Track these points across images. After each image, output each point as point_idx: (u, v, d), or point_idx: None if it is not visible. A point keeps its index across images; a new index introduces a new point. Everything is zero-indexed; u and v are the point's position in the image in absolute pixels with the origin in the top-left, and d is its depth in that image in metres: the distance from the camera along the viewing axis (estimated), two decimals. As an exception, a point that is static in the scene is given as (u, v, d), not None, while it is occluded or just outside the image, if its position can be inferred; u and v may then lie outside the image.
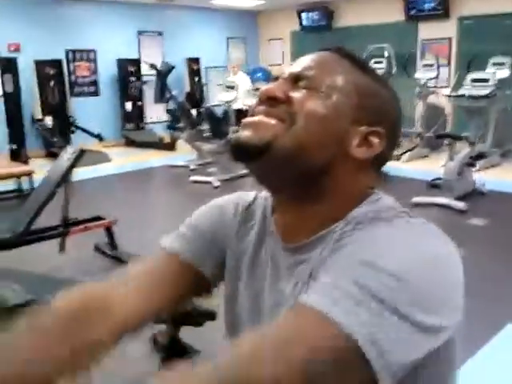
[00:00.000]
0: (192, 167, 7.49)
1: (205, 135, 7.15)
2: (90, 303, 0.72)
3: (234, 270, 0.80)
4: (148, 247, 4.23)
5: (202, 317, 2.50)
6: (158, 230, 5.00)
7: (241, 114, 7.83)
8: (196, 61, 10.68)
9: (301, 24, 10.83)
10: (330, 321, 0.52)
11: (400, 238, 0.59)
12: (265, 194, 0.81)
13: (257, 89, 7.75)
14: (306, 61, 0.70)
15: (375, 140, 0.67)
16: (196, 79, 10.70)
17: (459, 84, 6.52)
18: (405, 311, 0.53)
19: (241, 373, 0.51)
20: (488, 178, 5.90)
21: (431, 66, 7.89)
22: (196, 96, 10.38)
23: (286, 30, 11.32)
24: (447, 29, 8.62)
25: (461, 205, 5.00)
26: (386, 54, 8.31)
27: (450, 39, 8.65)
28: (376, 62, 8.24)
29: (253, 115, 0.69)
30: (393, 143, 0.71)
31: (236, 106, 8.05)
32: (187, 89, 10.45)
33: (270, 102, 0.67)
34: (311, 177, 0.67)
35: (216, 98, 8.84)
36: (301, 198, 0.69)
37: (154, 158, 8.48)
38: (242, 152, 0.67)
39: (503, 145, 7.15)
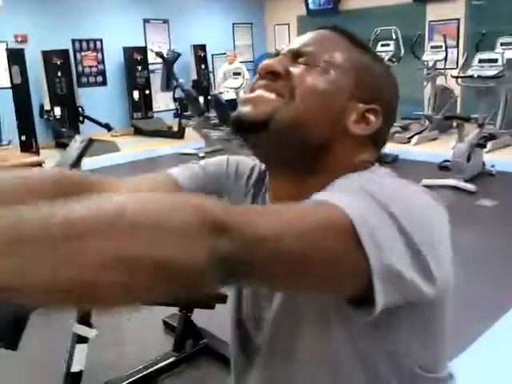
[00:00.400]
0: (201, 155, 7.51)
1: (213, 122, 7.15)
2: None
3: None
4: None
5: (214, 300, 2.54)
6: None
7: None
8: (202, 48, 10.65)
9: (307, 8, 10.74)
10: (335, 207, 0.52)
11: (393, 184, 0.62)
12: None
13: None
14: (305, 38, 0.71)
15: (372, 117, 0.68)
16: (203, 66, 10.68)
17: (468, 65, 6.46)
18: (404, 227, 0.53)
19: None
20: (498, 159, 5.86)
21: (439, 47, 7.80)
22: (203, 83, 10.36)
23: (292, 14, 11.23)
24: (455, 10, 8.51)
25: (470, 186, 4.98)
26: (393, 36, 8.23)
27: (458, 20, 8.55)
28: (383, 45, 8.17)
29: (252, 91, 0.69)
30: (389, 121, 0.72)
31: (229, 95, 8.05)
32: (194, 76, 10.44)
33: (269, 76, 0.68)
34: (309, 151, 0.68)
35: (222, 84, 8.83)
36: (298, 173, 0.69)
37: (163, 147, 8.51)
38: (242, 126, 0.68)
39: (513, 126, 7.09)
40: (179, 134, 9.07)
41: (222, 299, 2.81)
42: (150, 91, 10.13)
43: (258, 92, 0.68)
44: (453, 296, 0.65)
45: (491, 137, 6.26)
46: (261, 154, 0.72)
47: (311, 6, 10.69)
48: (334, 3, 10.28)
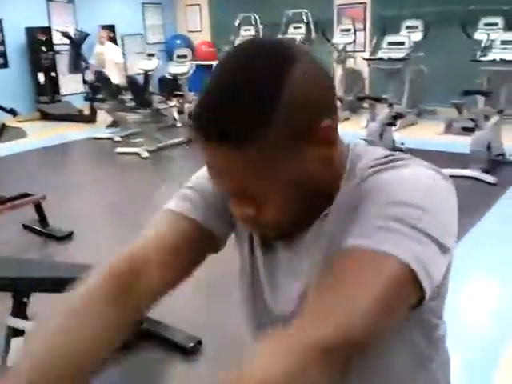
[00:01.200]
0: (116, 139, 7.29)
1: (128, 105, 6.95)
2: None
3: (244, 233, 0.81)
4: (80, 221, 4.17)
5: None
6: (89, 204, 4.90)
7: (166, 82, 7.68)
8: (111, 28, 10.24)
9: (218, -11, 10.66)
10: (386, 256, 0.58)
11: (406, 176, 0.65)
12: None
13: (180, 55, 7.60)
14: (226, 174, 0.66)
15: (328, 133, 0.66)
16: (112, 48, 10.27)
17: (378, 48, 6.77)
18: (434, 235, 0.60)
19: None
20: (404, 136, 6.23)
21: (348, 30, 8.09)
22: (114, 65, 9.98)
23: (203, -5, 11.10)
24: (362, -6, 8.84)
25: (384, 163, 5.26)
26: (304, 19, 8.41)
27: (364, 4, 8.89)
28: (295, 28, 8.33)
29: (245, 222, 0.73)
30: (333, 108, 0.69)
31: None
32: (104, 58, 10.02)
33: (250, 215, 0.70)
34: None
35: (136, 66, 8.58)
36: None
37: (74, 132, 8.14)
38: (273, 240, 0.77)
39: (418, 105, 7.55)
40: (91, 118, 8.72)
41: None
42: (57, 73, 9.60)
43: (251, 225, 0.73)
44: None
45: (399, 116, 6.65)
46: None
47: (222, -13, 10.63)
48: (246, -15, 10.28)
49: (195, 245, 0.78)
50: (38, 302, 2.25)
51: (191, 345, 2.43)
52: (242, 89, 0.61)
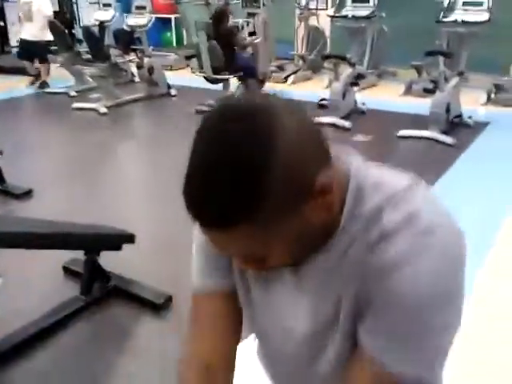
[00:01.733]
0: (72, 94, 7.01)
1: (85, 58, 6.66)
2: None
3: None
4: (38, 179, 4.02)
5: (120, 239, 2.48)
6: (46, 161, 4.73)
7: (123, 35, 7.38)
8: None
9: None
10: (402, 375, 0.65)
11: (423, 278, 0.63)
12: None
13: (138, 6, 7.29)
14: (224, 248, 0.68)
15: (326, 187, 0.63)
16: (65, -4, 9.77)
17: (341, 6, 6.70)
18: (454, 331, 0.67)
19: None
20: (365, 97, 6.27)
21: (311, -13, 7.93)
22: (66, 15, 9.52)
23: None
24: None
25: (346, 123, 5.31)
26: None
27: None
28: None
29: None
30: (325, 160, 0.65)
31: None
32: (55, 7, 9.51)
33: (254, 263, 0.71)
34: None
35: (90, 16, 8.18)
36: None
37: (25, 86, 7.75)
38: None
39: (379, 66, 7.58)
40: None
41: (130, 239, 2.74)
42: (6, 23, 9.07)
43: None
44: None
45: (361, 76, 6.67)
46: None
47: None
48: None
49: (234, 308, 0.85)
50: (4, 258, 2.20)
51: (162, 301, 2.43)
52: (226, 174, 0.57)
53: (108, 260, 2.54)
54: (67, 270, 2.75)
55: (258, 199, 0.58)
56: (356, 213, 0.68)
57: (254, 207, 0.58)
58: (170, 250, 3.01)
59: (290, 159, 0.58)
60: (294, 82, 7.50)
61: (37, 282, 2.72)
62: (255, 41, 6.31)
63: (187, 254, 0.91)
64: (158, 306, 2.44)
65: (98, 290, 2.51)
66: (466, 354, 1.98)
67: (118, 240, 2.46)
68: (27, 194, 3.80)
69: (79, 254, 2.53)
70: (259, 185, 0.57)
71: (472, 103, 5.89)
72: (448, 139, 4.80)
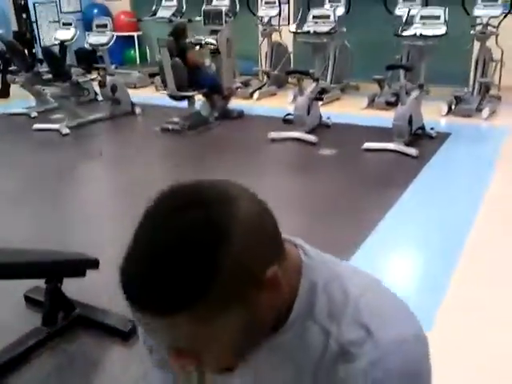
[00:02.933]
0: (33, 115, 6.85)
1: (45, 78, 6.53)
2: None
3: None
4: None
5: (84, 265, 2.39)
6: (5, 184, 4.58)
7: (84, 54, 7.28)
8: (21, -6, 9.52)
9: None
10: None
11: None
12: None
13: (99, 25, 7.21)
14: (155, 335, 0.62)
15: (275, 281, 0.61)
16: (24, 16, 9.58)
17: (303, 21, 6.76)
18: None
19: None
20: (329, 111, 6.33)
21: (273, 3, 8.01)
22: (26, 35, 9.34)
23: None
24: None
25: (312, 138, 5.33)
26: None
27: (287, -23, 8.82)
28: (219, -1, 8.12)
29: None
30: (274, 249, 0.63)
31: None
32: (15, 27, 9.35)
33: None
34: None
35: (50, 36, 8.05)
36: None
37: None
38: None
39: (342, 80, 7.68)
40: (3, 93, 8.12)
41: (94, 265, 2.65)
42: (-39, 43, 8.83)
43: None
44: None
45: (324, 91, 6.74)
46: None
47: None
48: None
49: None
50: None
51: (129, 328, 2.35)
52: (174, 255, 0.54)
53: (71, 287, 2.45)
54: (29, 300, 2.64)
55: (203, 287, 0.55)
56: (308, 311, 0.66)
57: (199, 295, 0.55)
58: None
59: (241, 251, 0.56)
60: (259, 98, 7.52)
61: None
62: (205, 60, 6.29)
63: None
64: (126, 334, 2.35)
65: (62, 320, 2.42)
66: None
67: (82, 265, 2.38)
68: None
69: (41, 282, 2.44)
70: (206, 273, 0.55)
71: (434, 115, 6.02)
72: (412, 151, 4.88)
